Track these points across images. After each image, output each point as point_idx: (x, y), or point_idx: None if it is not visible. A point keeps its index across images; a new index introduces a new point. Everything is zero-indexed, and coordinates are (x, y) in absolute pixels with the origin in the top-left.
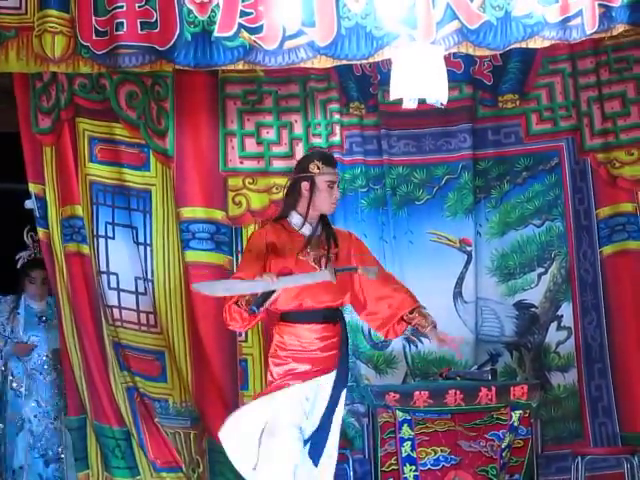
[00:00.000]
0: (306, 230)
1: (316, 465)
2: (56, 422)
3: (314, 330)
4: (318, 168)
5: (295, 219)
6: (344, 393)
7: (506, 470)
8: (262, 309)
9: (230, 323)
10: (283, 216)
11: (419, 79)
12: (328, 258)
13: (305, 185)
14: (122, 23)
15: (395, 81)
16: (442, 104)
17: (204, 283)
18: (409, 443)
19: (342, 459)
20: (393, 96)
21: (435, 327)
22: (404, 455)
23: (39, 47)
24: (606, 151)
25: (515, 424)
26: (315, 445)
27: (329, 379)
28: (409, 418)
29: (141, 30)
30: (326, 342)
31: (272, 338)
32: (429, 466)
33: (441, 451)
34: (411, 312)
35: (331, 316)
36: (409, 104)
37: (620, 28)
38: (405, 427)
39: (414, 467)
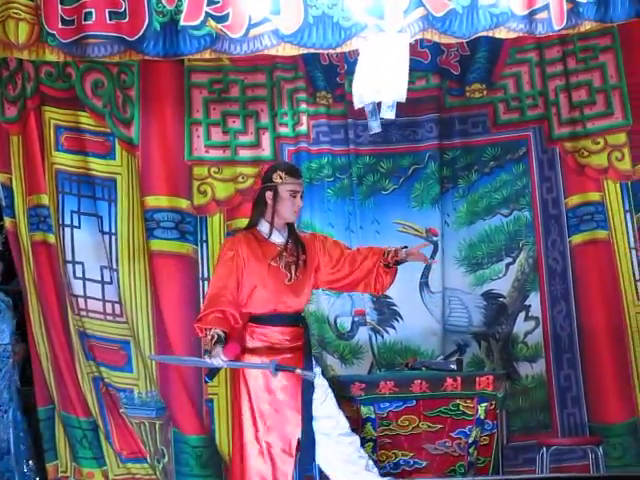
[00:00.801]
0: (275, 238)
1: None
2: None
3: (283, 332)
4: (281, 178)
5: (264, 227)
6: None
7: (474, 470)
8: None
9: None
10: (253, 225)
11: (381, 82)
12: (297, 265)
13: (269, 194)
14: (90, 13)
15: (357, 88)
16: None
17: (159, 356)
18: (371, 445)
19: None
20: (356, 104)
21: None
22: None
23: (2, 33)
24: (574, 140)
25: (481, 417)
26: (304, 454)
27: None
28: (373, 417)
29: (110, 20)
30: (293, 344)
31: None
32: (388, 469)
33: (402, 455)
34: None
35: (299, 319)
36: (375, 127)
37: (587, 25)
38: (368, 426)
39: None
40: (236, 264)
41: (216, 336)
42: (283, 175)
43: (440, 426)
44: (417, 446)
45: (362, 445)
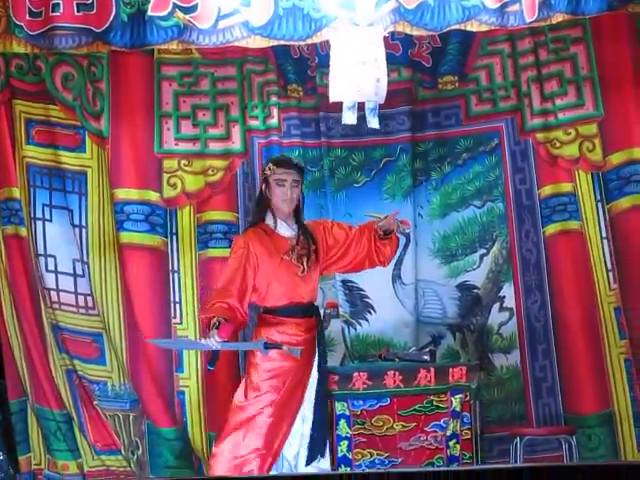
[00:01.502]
0: (284, 231)
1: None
2: None
3: (298, 323)
4: (269, 169)
5: (270, 220)
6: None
7: (459, 465)
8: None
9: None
10: (260, 220)
11: (362, 82)
12: (309, 256)
13: (264, 187)
14: (58, 4)
15: (334, 82)
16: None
17: (157, 340)
18: (346, 443)
19: None
20: (333, 98)
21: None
22: (340, 455)
23: None
24: (546, 131)
25: (457, 409)
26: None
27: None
28: (347, 414)
29: (77, 11)
30: (307, 335)
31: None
32: (364, 468)
33: (377, 454)
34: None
35: (312, 310)
36: (350, 118)
37: (559, 17)
38: (342, 423)
39: (349, 469)
40: (246, 258)
41: (216, 322)
42: (272, 166)
43: (414, 424)
44: (392, 446)
45: (337, 443)
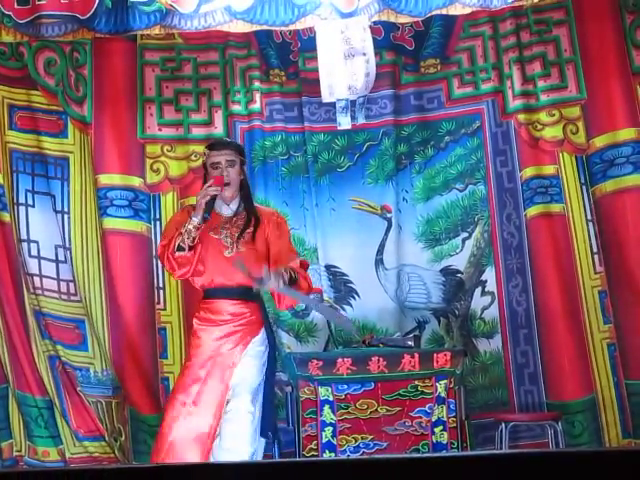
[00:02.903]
0: (223, 210)
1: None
2: None
3: (226, 305)
4: (205, 154)
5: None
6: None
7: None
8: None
9: (177, 271)
10: None
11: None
12: (239, 238)
13: (204, 172)
14: None
15: (325, 81)
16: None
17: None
18: (330, 429)
19: None
20: (325, 99)
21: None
22: (324, 441)
23: None
24: (527, 112)
25: (442, 395)
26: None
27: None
28: (331, 399)
29: None
30: (237, 317)
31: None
32: (349, 454)
33: (362, 438)
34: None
35: (245, 293)
36: (345, 122)
37: None
38: (327, 409)
39: (333, 454)
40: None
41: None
42: (206, 151)
43: (399, 408)
44: (376, 429)
45: (322, 429)
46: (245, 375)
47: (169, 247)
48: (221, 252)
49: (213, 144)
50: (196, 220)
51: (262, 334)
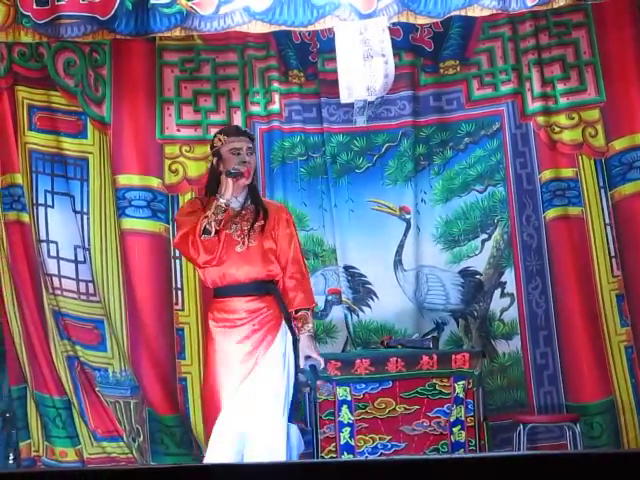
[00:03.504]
0: (232, 203)
1: None
2: None
3: (242, 302)
4: (220, 140)
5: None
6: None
7: (466, 450)
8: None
9: (203, 255)
10: (210, 194)
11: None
12: (251, 231)
13: (215, 160)
14: None
15: (343, 82)
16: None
17: None
18: (348, 430)
19: None
20: (344, 100)
21: (310, 337)
22: (342, 442)
23: None
24: (546, 115)
25: (460, 395)
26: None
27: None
28: (349, 399)
29: (82, 0)
30: (255, 315)
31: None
32: (367, 455)
33: (379, 439)
34: (297, 312)
35: (260, 288)
36: (362, 121)
37: (561, 2)
38: (345, 409)
39: (352, 456)
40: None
41: None
42: (222, 137)
43: (417, 407)
44: (394, 429)
45: (340, 430)
46: (270, 375)
47: (194, 232)
48: (232, 247)
49: (229, 130)
50: (223, 200)
51: (283, 328)
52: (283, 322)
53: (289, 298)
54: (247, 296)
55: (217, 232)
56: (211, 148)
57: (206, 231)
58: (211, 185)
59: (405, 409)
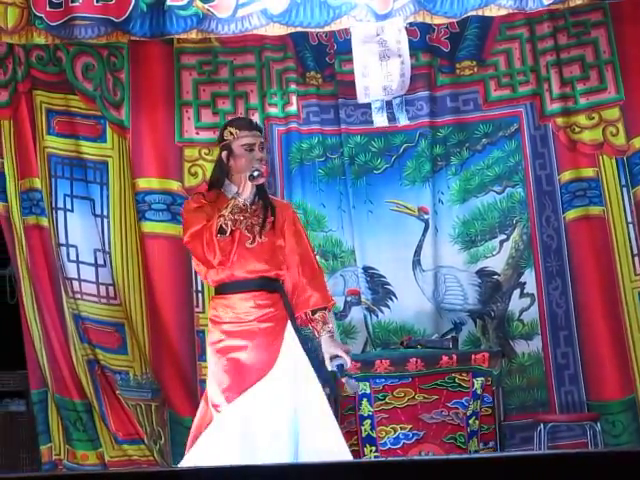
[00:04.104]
0: (241, 200)
1: None
2: None
3: (248, 298)
4: (231, 134)
5: (231, 188)
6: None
7: (479, 438)
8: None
9: (218, 256)
10: (215, 187)
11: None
12: (263, 227)
13: (224, 154)
14: None
15: (360, 82)
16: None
17: None
18: (368, 422)
19: None
20: (361, 100)
21: (332, 337)
22: (364, 435)
23: None
24: (565, 116)
25: (478, 391)
26: None
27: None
28: (368, 392)
29: (97, 2)
30: (263, 311)
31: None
32: (389, 445)
33: (401, 429)
34: (314, 312)
35: (266, 285)
36: (381, 121)
37: (578, 0)
38: (364, 403)
39: (374, 447)
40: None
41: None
42: (234, 130)
43: (436, 397)
44: (414, 417)
45: (361, 423)
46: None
47: (209, 230)
48: (243, 243)
49: (241, 123)
50: (241, 200)
51: (289, 329)
52: (289, 323)
53: (304, 298)
54: (254, 292)
55: (232, 231)
56: (220, 140)
57: (222, 231)
58: (217, 179)
59: (424, 398)
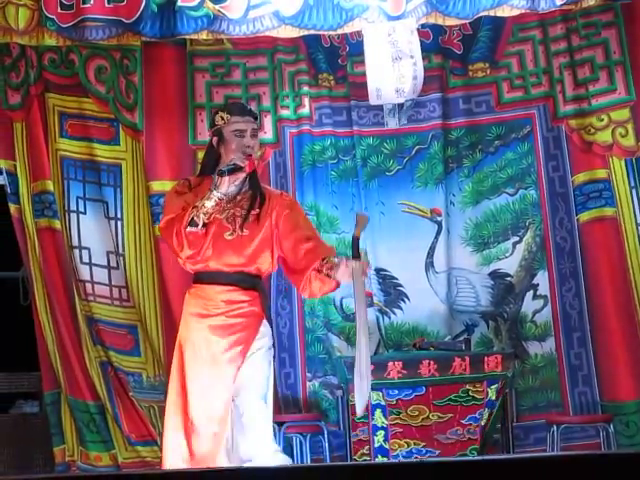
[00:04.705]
0: (230, 189)
1: None
2: None
3: (220, 292)
4: (222, 119)
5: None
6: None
7: (486, 449)
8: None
9: (186, 250)
10: (205, 174)
11: (397, 77)
12: (245, 219)
13: (215, 140)
14: None
15: (372, 84)
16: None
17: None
18: (382, 433)
19: (317, 430)
20: (373, 101)
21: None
22: (376, 445)
23: (2, 19)
24: (579, 117)
25: (492, 399)
26: None
27: None
28: (383, 403)
29: (108, 3)
30: (233, 307)
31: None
32: (401, 459)
33: (414, 444)
34: (324, 260)
35: (243, 281)
36: (393, 123)
37: (590, 1)
38: (378, 413)
39: (386, 459)
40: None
41: None
42: (225, 115)
43: (450, 415)
44: (428, 436)
45: (374, 433)
46: (252, 377)
47: (181, 220)
48: (221, 234)
49: (233, 107)
50: (217, 194)
51: (263, 329)
52: (263, 323)
53: (311, 256)
54: (228, 285)
55: (205, 225)
56: (211, 126)
57: (193, 223)
58: (207, 164)
59: (439, 417)
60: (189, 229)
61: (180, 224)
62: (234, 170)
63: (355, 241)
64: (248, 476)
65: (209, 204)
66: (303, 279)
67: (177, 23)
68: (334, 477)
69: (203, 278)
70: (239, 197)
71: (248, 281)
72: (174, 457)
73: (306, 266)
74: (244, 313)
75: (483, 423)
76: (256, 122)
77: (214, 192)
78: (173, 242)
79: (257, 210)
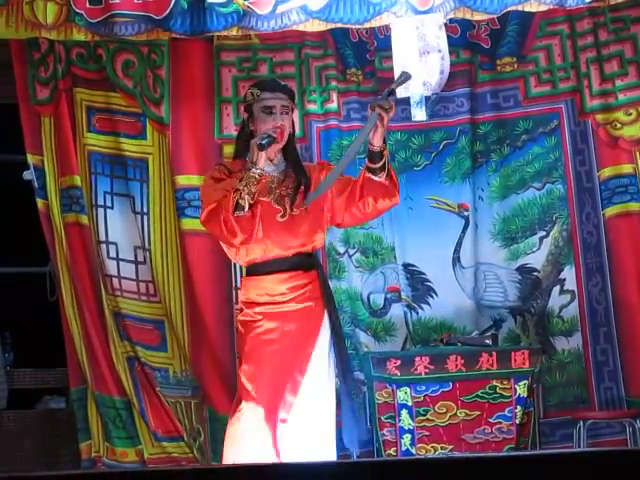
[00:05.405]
0: (268, 168)
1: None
2: None
3: (283, 280)
4: (252, 95)
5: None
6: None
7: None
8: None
9: (240, 235)
10: (239, 156)
11: (424, 70)
12: (294, 198)
13: (246, 117)
14: None
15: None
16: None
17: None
18: (409, 436)
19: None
20: (400, 94)
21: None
22: (403, 449)
23: (30, 13)
24: (606, 112)
25: (522, 395)
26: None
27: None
28: (409, 404)
29: None
30: (299, 292)
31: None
32: None
33: (441, 448)
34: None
35: (302, 263)
36: (420, 115)
37: None
38: (405, 414)
39: None
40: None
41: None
42: (255, 91)
43: (477, 413)
44: (456, 437)
45: (400, 436)
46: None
47: (226, 207)
48: (273, 216)
49: (264, 83)
50: (257, 171)
51: (325, 317)
52: (325, 305)
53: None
54: (290, 271)
55: (251, 206)
56: (243, 102)
57: (239, 207)
58: (240, 146)
59: (466, 414)
60: (237, 213)
61: (227, 211)
62: (266, 145)
63: (388, 92)
64: (276, 473)
65: (251, 183)
66: (363, 194)
67: (207, 20)
68: (363, 473)
69: (262, 268)
70: (281, 176)
71: (307, 262)
72: None
73: (361, 194)
74: (310, 297)
75: (518, 421)
76: (289, 99)
77: (253, 169)
78: (223, 231)
79: (303, 187)
